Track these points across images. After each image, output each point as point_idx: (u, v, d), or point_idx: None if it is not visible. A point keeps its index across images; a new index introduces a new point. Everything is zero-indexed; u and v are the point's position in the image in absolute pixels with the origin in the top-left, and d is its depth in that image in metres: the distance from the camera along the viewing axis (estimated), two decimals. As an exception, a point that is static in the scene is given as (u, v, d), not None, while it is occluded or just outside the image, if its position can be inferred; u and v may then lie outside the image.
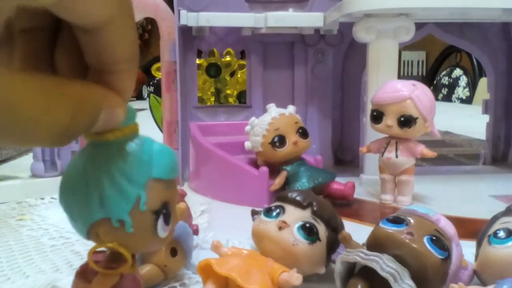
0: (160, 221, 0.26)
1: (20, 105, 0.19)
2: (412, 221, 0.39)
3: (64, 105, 0.20)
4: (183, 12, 0.81)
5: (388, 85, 0.68)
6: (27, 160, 0.89)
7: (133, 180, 0.24)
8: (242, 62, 1.03)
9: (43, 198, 0.74)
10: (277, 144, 0.68)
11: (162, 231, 0.26)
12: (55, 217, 0.65)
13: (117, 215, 0.24)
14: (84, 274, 0.28)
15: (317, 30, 0.88)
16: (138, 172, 0.25)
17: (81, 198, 0.24)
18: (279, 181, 0.68)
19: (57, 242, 0.56)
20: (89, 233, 0.25)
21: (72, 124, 0.21)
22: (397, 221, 0.39)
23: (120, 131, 0.24)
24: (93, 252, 0.27)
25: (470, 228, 0.51)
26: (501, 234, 0.39)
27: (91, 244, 0.29)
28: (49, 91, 0.20)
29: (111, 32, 0.21)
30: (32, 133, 0.20)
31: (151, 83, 3.95)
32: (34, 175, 0.78)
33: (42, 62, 0.24)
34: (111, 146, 0.25)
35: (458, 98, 3.29)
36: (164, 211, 0.26)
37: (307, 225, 0.41)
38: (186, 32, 0.85)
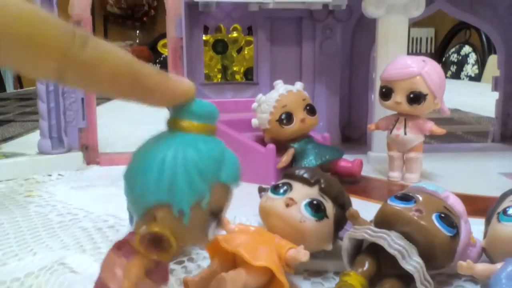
0: (214, 224, 0.26)
1: None
2: (420, 198, 0.39)
3: None
4: (189, -13, 0.80)
5: (398, 61, 0.67)
6: (34, 137, 0.89)
7: (203, 175, 0.25)
8: (249, 38, 1.02)
9: (50, 175, 0.74)
10: (285, 121, 0.67)
11: (212, 233, 0.26)
12: (62, 193, 0.65)
13: (180, 204, 0.25)
14: (119, 248, 0.28)
15: (325, 5, 0.86)
16: (209, 170, 0.25)
17: (152, 177, 0.24)
18: (286, 158, 0.68)
19: (65, 219, 0.56)
20: (145, 214, 0.25)
21: None
22: (406, 198, 0.39)
23: (197, 125, 0.25)
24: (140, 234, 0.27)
25: (479, 206, 0.50)
26: (511, 211, 0.38)
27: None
28: None
29: None
30: None
31: (157, 60, 3.93)
32: (41, 152, 0.78)
33: None
34: (188, 137, 0.25)
35: (467, 76, 3.26)
36: (219, 216, 0.26)
37: (315, 202, 0.41)
38: (192, 8, 0.84)
